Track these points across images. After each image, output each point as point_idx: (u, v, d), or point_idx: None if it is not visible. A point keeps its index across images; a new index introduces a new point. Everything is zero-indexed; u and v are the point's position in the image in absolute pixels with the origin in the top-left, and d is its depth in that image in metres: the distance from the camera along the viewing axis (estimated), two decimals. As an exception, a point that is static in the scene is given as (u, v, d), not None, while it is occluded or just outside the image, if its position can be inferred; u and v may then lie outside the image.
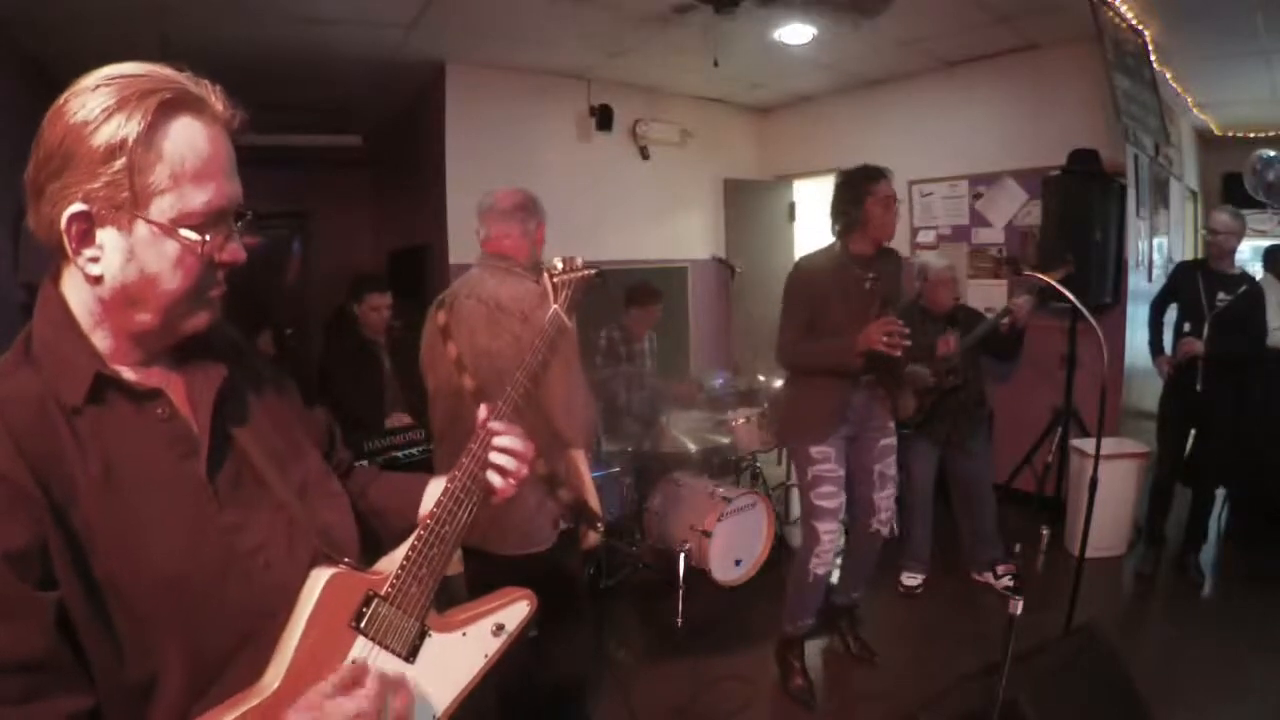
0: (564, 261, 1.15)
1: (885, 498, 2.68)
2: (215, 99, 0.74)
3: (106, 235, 0.70)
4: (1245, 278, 3.36)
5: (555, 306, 1.11)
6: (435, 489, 1.01)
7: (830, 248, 2.59)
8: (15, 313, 2.80)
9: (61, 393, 0.70)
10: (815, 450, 2.55)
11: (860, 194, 2.47)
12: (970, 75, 4.56)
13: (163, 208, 0.70)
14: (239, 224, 0.77)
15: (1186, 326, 3.39)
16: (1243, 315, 3.27)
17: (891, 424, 2.71)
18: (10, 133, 3.26)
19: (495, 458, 0.95)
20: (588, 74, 4.79)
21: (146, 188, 0.69)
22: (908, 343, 2.32)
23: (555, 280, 1.13)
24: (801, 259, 2.67)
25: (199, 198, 0.72)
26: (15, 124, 3.30)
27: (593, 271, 1.17)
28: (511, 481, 0.96)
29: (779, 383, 4.24)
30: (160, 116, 0.69)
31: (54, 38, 3.43)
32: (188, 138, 0.71)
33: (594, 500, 2.02)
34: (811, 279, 2.53)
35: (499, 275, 1.91)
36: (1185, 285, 3.45)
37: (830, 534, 2.56)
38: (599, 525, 2.03)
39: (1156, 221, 4.59)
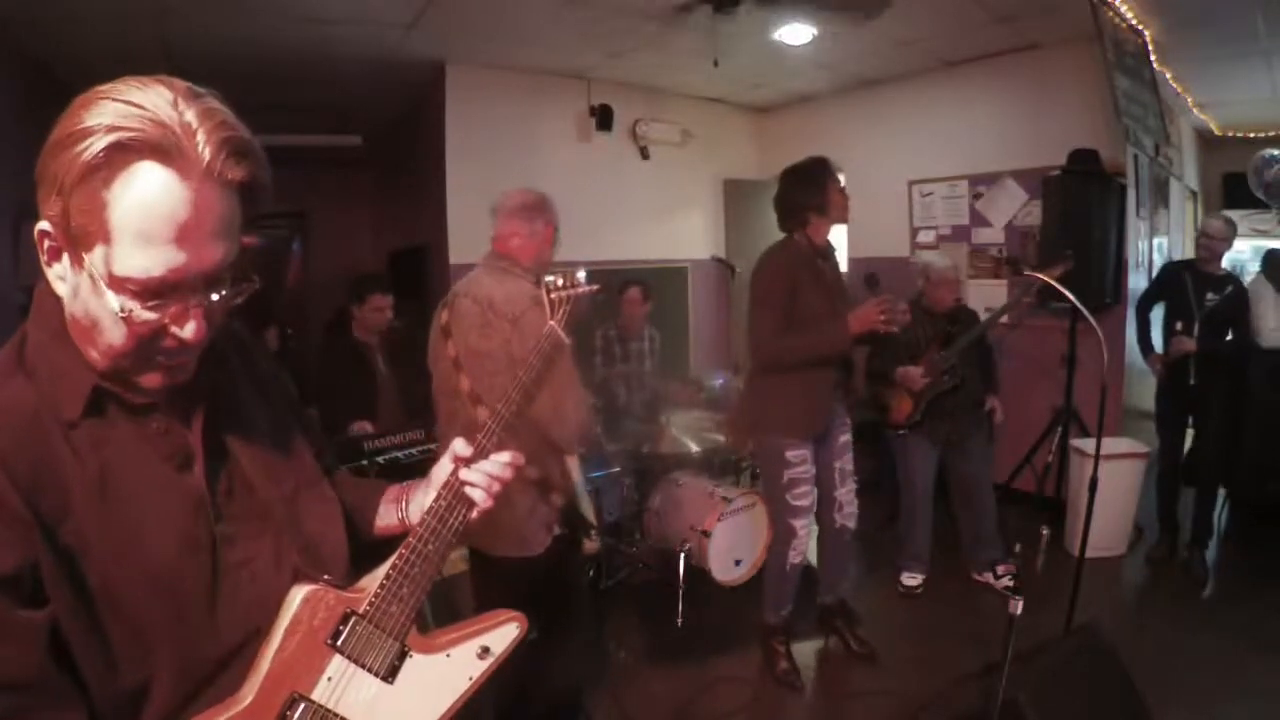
0: (563, 277, 1.13)
1: (847, 492, 2.75)
2: (210, 146, 0.63)
3: (66, 260, 0.67)
4: (1231, 278, 3.50)
5: (552, 323, 1.08)
6: (389, 500, 1.01)
7: (791, 240, 2.59)
8: (15, 313, 2.81)
9: (58, 405, 0.69)
10: (792, 454, 2.57)
11: (822, 182, 2.53)
12: (970, 75, 4.56)
13: (98, 259, 0.63)
14: (215, 297, 0.68)
15: (1178, 325, 3.49)
16: (1230, 314, 3.41)
17: (848, 420, 2.76)
18: (11, 133, 3.26)
19: (467, 475, 0.91)
20: (588, 74, 4.79)
21: (84, 234, 0.63)
22: (907, 317, 2.36)
23: (553, 296, 1.10)
24: (769, 252, 2.61)
25: (136, 261, 0.63)
26: (16, 124, 3.30)
27: (594, 288, 1.15)
28: (486, 496, 0.92)
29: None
30: (113, 158, 0.61)
31: (55, 38, 3.43)
32: (141, 190, 0.62)
33: (585, 506, 2.01)
34: (786, 270, 2.52)
35: (497, 276, 1.91)
36: (1174, 285, 3.56)
37: (805, 527, 2.65)
38: (590, 532, 2.02)
39: (1156, 221, 4.59)
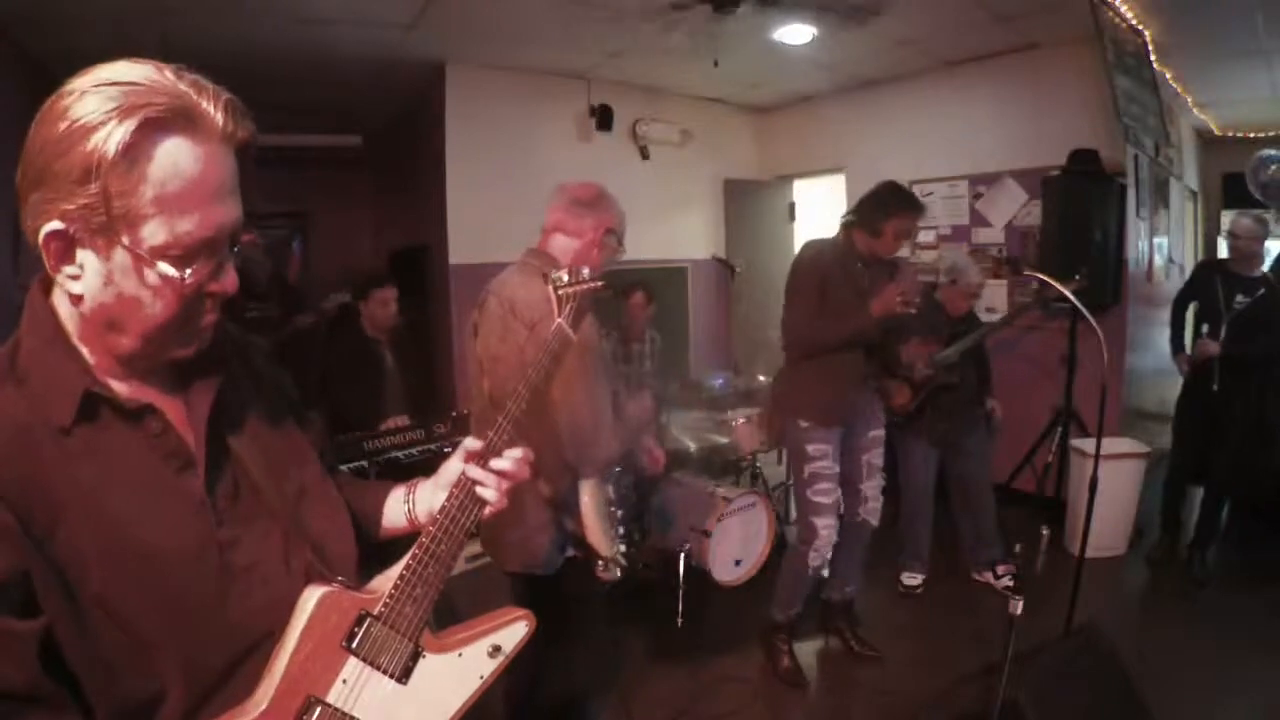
0: (569, 273, 1.10)
1: (873, 487, 2.74)
2: (218, 110, 0.68)
3: (85, 255, 0.66)
4: (1264, 280, 3.37)
5: (559, 320, 1.06)
6: (395, 500, 1.00)
7: (836, 238, 2.66)
8: (15, 313, 2.80)
9: (49, 412, 0.68)
10: (812, 448, 2.59)
11: (888, 213, 2.54)
12: (970, 75, 4.56)
13: (143, 236, 0.65)
14: (235, 250, 0.72)
15: (1205, 328, 3.42)
16: (1260, 317, 3.29)
17: (881, 416, 2.77)
18: (10, 133, 3.26)
19: (475, 473, 0.91)
20: (588, 74, 4.79)
21: (125, 213, 0.64)
22: (918, 299, 2.45)
23: (560, 293, 1.08)
24: (810, 242, 2.71)
25: (182, 227, 0.66)
26: (15, 124, 3.30)
27: (599, 283, 1.13)
28: (498, 495, 0.91)
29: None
30: (144, 136, 0.63)
31: (54, 37, 3.43)
32: (174, 160, 0.65)
33: (595, 536, 1.91)
34: (818, 264, 2.59)
35: (525, 276, 1.80)
36: (1205, 285, 3.48)
37: (828, 528, 2.62)
38: (600, 562, 1.93)
39: (1156, 221, 4.59)
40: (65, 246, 0.66)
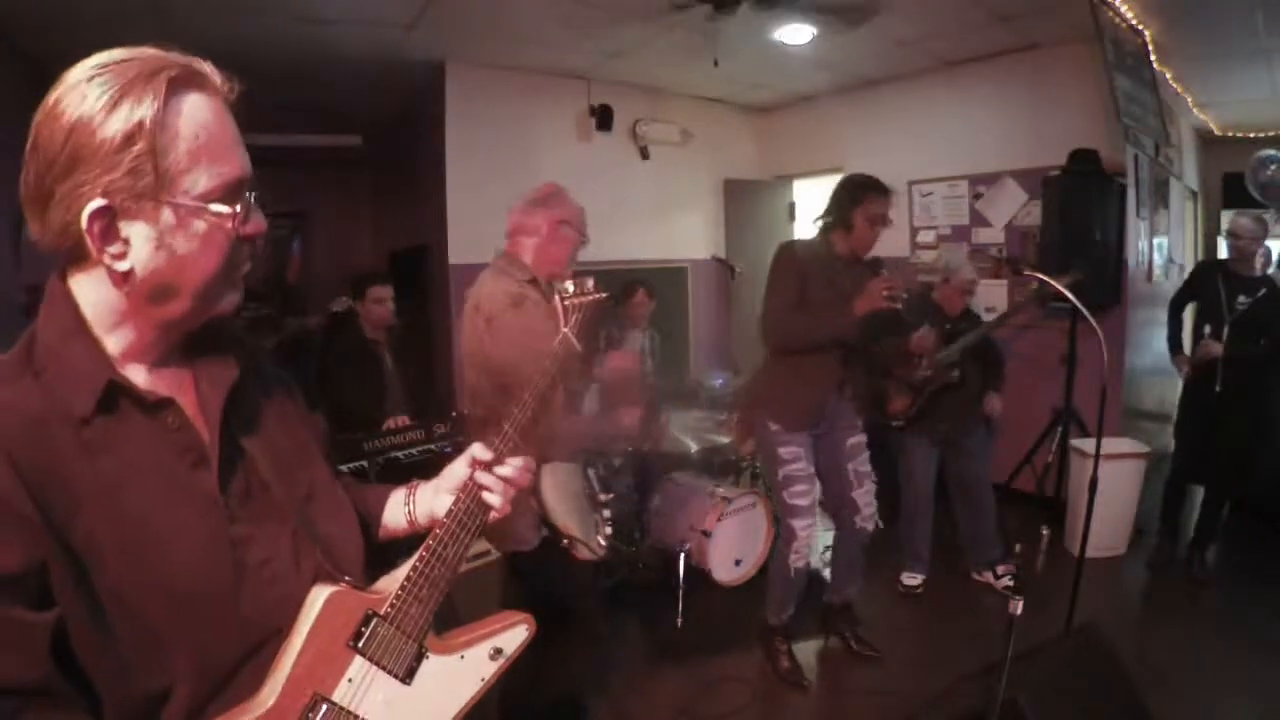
0: (575, 284, 1.11)
1: (864, 494, 2.72)
2: (212, 71, 0.73)
3: (131, 227, 0.68)
4: (1265, 280, 3.36)
5: (565, 330, 1.06)
6: (395, 502, 1.01)
7: (816, 240, 2.64)
8: (15, 313, 2.81)
9: (69, 402, 0.68)
10: (785, 451, 2.59)
11: (854, 201, 2.52)
12: (970, 75, 4.56)
13: (186, 187, 0.69)
14: (253, 196, 0.76)
15: (1207, 329, 3.41)
16: (1262, 318, 3.28)
17: (858, 421, 2.74)
18: (10, 132, 3.26)
19: (482, 478, 0.93)
20: (588, 74, 4.79)
21: (169, 169, 0.67)
22: (904, 295, 2.42)
23: (566, 304, 1.08)
24: (786, 243, 2.68)
25: (218, 171, 0.70)
26: (15, 124, 3.30)
27: (604, 295, 1.14)
28: (503, 501, 0.94)
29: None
30: (171, 94, 0.67)
31: (54, 38, 3.43)
32: (196, 115, 0.69)
33: (560, 518, 1.96)
34: (802, 257, 2.56)
35: (492, 274, 1.91)
36: (1205, 286, 3.47)
37: (806, 528, 2.61)
38: (566, 540, 1.99)
39: (1156, 221, 4.59)
40: (108, 224, 0.67)
